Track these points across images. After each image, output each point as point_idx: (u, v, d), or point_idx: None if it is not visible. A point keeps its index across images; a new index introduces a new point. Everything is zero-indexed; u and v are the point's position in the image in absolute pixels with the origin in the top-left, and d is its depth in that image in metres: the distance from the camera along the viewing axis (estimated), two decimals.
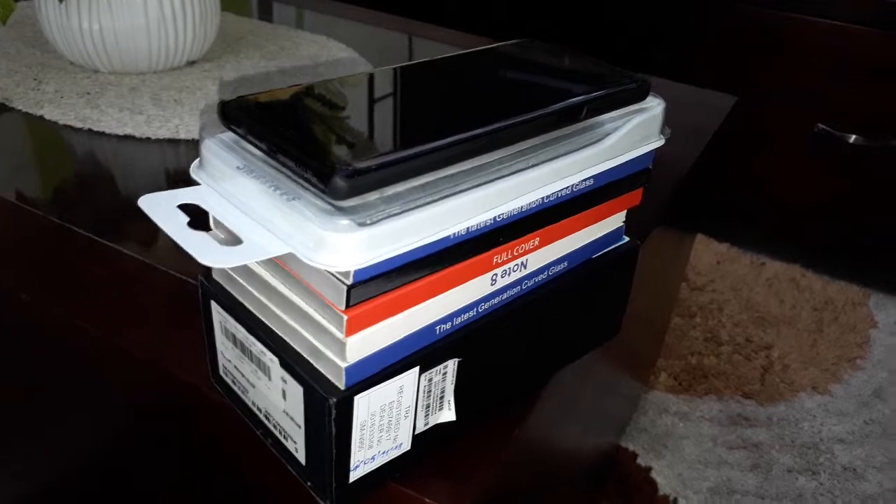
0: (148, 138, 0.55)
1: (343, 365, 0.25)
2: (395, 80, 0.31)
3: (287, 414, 0.28)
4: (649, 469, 0.81)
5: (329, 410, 0.25)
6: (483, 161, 0.26)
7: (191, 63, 0.68)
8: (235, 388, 0.31)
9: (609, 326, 0.37)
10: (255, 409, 0.30)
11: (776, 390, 0.94)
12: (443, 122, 0.27)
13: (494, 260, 0.28)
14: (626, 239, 0.36)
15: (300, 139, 0.24)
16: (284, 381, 0.27)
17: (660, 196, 0.54)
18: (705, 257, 1.21)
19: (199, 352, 0.33)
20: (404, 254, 0.24)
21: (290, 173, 0.24)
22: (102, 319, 0.39)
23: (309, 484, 0.28)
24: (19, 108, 0.58)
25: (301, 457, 0.28)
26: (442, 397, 0.29)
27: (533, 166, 0.28)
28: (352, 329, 0.24)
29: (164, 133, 0.55)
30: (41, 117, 0.57)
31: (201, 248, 0.22)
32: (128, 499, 0.48)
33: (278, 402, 0.28)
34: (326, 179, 0.22)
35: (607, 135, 0.30)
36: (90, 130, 0.55)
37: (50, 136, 0.55)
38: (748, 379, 0.96)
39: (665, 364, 0.97)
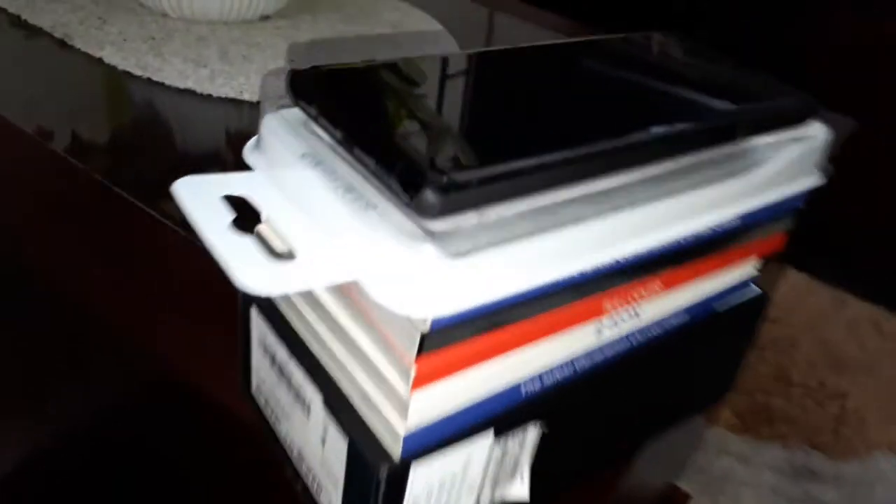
0: (209, 95, 0.50)
1: (401, 430, 0.19)
2: (499, 67, 0.25)
3: (324, 464, 0.22)
4: None
5: (377, 483, 0.19)
6: (606, 185, 0.20)
7: (264, 18, 0.63)
8: (267, 413, 0.26)
9: (720, 386, 0.31)
10: (286, 444, 0.25)
11: (849, 445, 0.86)
12: (559, 130, 0.21)
13: (604, 306, 0.22)
14: (755, 287, 0.29)
15: (384, 130, 0.19)
16: (325, 427, 0.21)
17: None
18: (782, 287, 1.12)
19: (231, 359, 0.28)
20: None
21: (367, 172, 0.19)
22: (125, 300, 0.34)
23: None
24: (79, 46, 0.53)
25: (328, 483, 0.23)
26: (515, 468, 0.23)
27: (666, 197, 0.22)
28: (419, 382, 0.19)
29: (226, 91, 0.50)
30: (100, 60, 0.52)
31: (240, 261, 0.17)
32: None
33: (316, 446, 0.23)
34: (414, 191, 0.17)
35: (757, 164, 0.24)
36: (149, 80, 0.51)
37: (107, 82, 0.51)
38: (819, 429, 0.88)
39: (729, 398, 0.90)
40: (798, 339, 1.01)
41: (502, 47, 0.26)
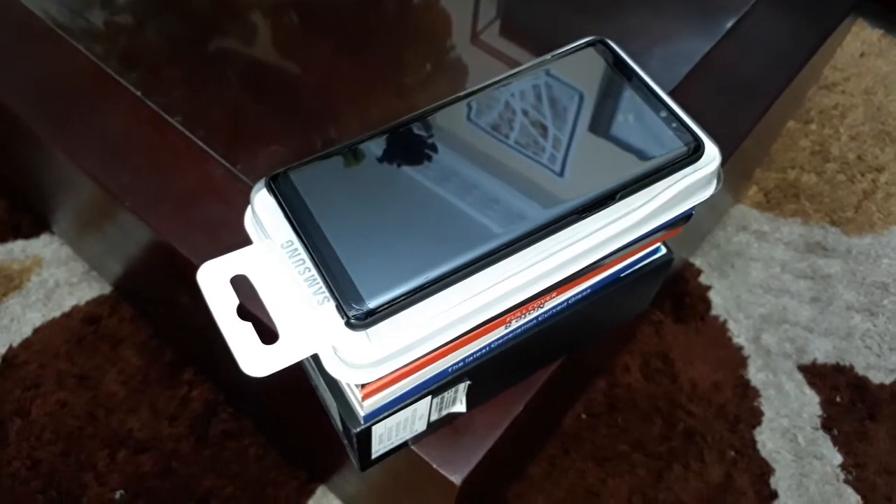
0: None
1: (361, 413, 0.30)
2: (425, 150, 0.30)
3: (333, 408, 0.34)
4: (709, 288, 0.86)
5: (352, 436, 0.31)
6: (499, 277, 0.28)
7: None
8: (319, 391, 0.37)
9: (633, 311, 0.40)
10: (326, 407, 0.36)
11: (868, 220, 0.92)
12: (464, 227, 0.28)
13: (510, 319, 0.31)
14: (663, 251, 0.37)
15: (330, 247, 0.27)
16: (335, 407, 0.33)
17: None
18: (849, 46, 1.08)
19: None
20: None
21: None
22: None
23: (345, 442, 0.36)
24: None
25: (338, 426, 0.35)
26: (454, 401, 0.35)
27: (559, 251, 0.29)
28: (367, 397, 0.29)
29: None
30: None
31: (244, 349, 0.27)
32: None
33: (334, 412, 0.34)
34: (343, 313, 0.26)
35: (650, 198, 0.30)
36: None
37: None
38: (842, 204, 0.93)
39: (761, 176, 0.95)
40: (849, 108, 1.02)
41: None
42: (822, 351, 0.83)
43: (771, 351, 0.83)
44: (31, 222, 0.87)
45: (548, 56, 0.33)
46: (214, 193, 0.46)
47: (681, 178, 0.30)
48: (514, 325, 0.32)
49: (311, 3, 0.56)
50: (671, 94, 0.52)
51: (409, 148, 0.30)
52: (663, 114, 0.31)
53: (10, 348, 0.78)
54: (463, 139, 0.30)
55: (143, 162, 0.47)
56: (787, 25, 0.58)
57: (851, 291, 0.87)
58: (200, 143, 0.48)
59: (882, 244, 0.91)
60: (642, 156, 0.30)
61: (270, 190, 0.29)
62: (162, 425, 0.74)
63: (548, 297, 0.32)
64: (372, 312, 0.26)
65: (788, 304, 0.86)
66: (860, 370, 0.82)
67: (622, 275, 0.35)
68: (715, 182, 0.32)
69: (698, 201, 0.32)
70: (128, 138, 0.48)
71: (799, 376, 0.81)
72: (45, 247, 0.85)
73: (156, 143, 0.48)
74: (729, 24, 0.57)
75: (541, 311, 0.33)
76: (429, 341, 0.28)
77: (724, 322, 0.84)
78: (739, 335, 0.83)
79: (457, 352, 0.31)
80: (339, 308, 0.26)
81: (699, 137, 0.30)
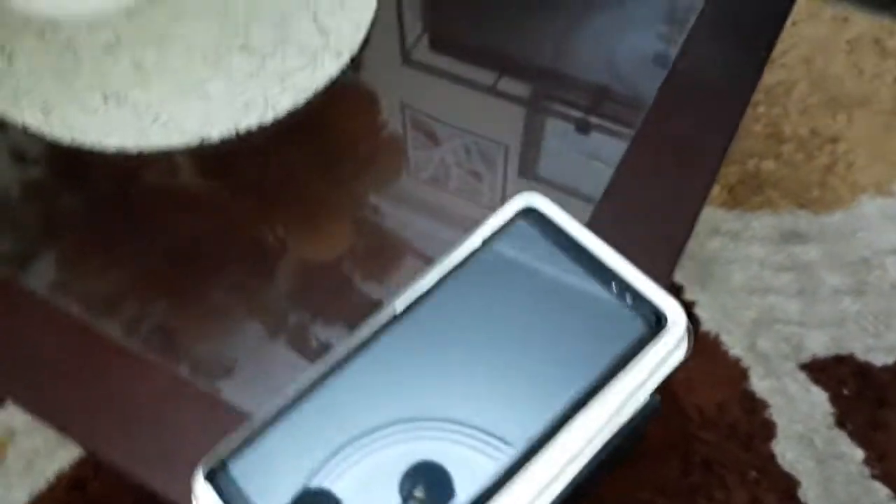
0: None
1: None
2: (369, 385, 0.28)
3: None
4: (693, 304, 0.84)
5: None
6: None
7: None
8: None
9: (627, 448, 0.38)
10: None
11: (835, 196, 0.91)
12: (433, 482, 0.25)
13: None
14: (648, 399, 0.34)
15: None
16: None
17: None
18: None
19: None
20: None
21: None
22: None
23: None
24: None
25: None
26: None
27: (541, 471, 0.27)
28: None
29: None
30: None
31: None
32: None
33: None
34: None
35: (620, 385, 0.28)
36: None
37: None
38: (806, 184, 0.92)
39: (722, 173, 0.93)
40: (793, 82, 1.00)
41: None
42: (819, 343, 0.81)
43: (769, 355, 0.81)
44: None
45: (477, 241, 0.30)
46: (157, 400, 0.43)
47: (647, 354, 0.28)
48: None
49: (223, 153, 0.53)
50: (619, 165, 0.50)
51: (344, 402, 0.27)
52: (615, 287, 0.29)
53: None
54: (399, 376, 0.27)
55: (73, 377, 0.44)
56: (726, 51, 0.56)
57: (835, 275, 0.85)
58: (130, 347, 0.45)
59: (854, 217, 0.89)
60: (601, 345, 0.27)
61: (210, 483, 0.26)
62: None
63: None
64: None
65: (776, 302, 0.84)
66: (860, 355, 0.81)
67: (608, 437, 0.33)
68: (686, 342, 0.29)
69: (673, 366, 0.29)
70: (49, 352, 0.45)
71: (802, 376, 0.80)
72: (12, 417, 0.81)
73: (80, 352, 0.45)
74: (665, 71, 0.54)
75: None
76: None
77: (717, 336, 0.82)
78: (734, 346, 0.82)
79: None
80: None
81: (658, 308, 0.28)
